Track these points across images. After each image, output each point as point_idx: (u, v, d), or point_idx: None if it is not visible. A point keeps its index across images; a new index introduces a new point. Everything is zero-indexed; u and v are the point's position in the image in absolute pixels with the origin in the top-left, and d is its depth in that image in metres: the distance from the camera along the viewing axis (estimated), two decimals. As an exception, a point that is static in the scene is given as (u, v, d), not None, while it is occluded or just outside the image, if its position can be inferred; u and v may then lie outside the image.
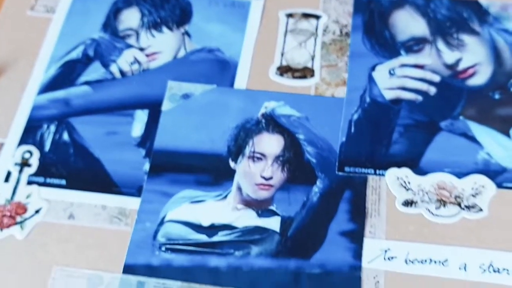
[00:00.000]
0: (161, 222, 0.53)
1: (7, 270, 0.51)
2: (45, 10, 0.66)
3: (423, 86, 0.58)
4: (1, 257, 0.52)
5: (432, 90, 0.58)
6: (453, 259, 0.50)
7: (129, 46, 0.63)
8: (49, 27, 0.65)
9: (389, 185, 0.54)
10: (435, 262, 0.50)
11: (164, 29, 0.64)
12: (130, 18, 0.65)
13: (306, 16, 0.64)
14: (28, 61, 0.63)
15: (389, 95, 0.58)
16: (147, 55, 0.63)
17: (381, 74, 0.59)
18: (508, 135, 0.56)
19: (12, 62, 0.63)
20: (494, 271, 0.49)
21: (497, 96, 0.58)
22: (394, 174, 0.54)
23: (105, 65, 0.62)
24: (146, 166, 0.56)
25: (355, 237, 0.51)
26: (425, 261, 0.50)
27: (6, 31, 0.65)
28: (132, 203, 0.54)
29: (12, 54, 0.63)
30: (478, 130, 0.56)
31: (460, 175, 0.54)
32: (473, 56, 0.60)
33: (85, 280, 0.50)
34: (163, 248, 0.52)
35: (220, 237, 0.52)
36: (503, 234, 0.51)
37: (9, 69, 0.62)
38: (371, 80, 0.59)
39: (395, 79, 0.59)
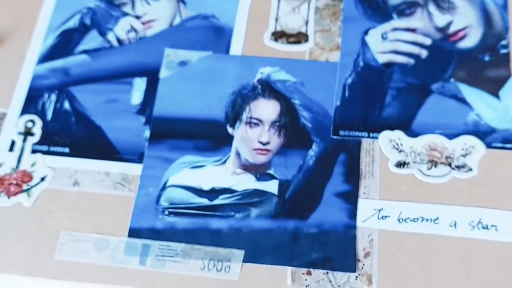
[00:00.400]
0: (163, 187, 0.53)
1: (16, 236, 0.52)
2: None
3: (415, 50, 0.58)
4: (10, 224, 0.52)
5: (424, 53, 0.58)
6: (444, 217, 0.51)
7: (125, 14, 0.62)
8: None
9: (382, 147, 0.54)
10: (426, 220, 0.51)
11: None
12: None
13: (300, -20, 0.63)
14: (25, 31, 0.62)
15: (382, 58, 0.58)
16: (143, 23, 0.62)
17: (374, 38, 0.59)
18: (497, 96, 0.56)
19: (10, 32, 0.62)
20: (483, 227, 0.50)
21: (487, 58, 0.57)
22: (387, 137, 0.54)
23: (102, 34, 0.61)
24: (147, 133, 0.56)
25: (350, 197, 0.52)
26: (417, 219, 0.51)
27: (2, 1, 0.63)
28: (134, 169, 0.54)
29: (9, 24, 0.62)
30: (468, 92, 0.56)
31: (450, 136, 0.54)
32: (463, 19, 0.59)
33: (92, 244, 0.51)
34: (166, 212, 0.52)
35: (220, 200, 0.52)
36: (492, 192, 0.52)
37: (7, 40, 0.61)
38: (364, 44, 0.59)
39: (387, 43, 0.59)
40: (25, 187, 0.54)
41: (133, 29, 0.62)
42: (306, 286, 0.49)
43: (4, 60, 0.60)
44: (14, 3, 0.64)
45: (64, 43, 0.62)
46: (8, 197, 0.54)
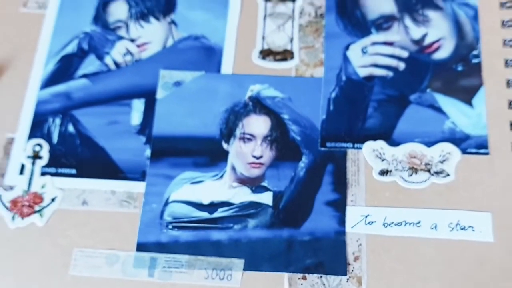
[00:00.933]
0: (166, 203, 0.55)
1: (31, 255, 0.53)
2: (37, 6, 0.65)
3: (393, 62, 0.59)
4: (25, 243, 0.54)
5: (401, 65, 0.59)
6: (425, 220, 0.52)
7: (120, 37, 0.63)
8: (43, 22, 0.64)
9: (366, 157, 0.56)
10: (409, 224, 0.52)
11: (152, 19, 0.64)
12: (118, 10, 0.65)
13: (283, -1, 0.65)
14: (27, 57, 0.63)
15: (362, 72, 0.59)
16: (138, 46, 0.63)
17: (354, 53, 0.60)
18: (470, 104, 0.57)
19: (11, 60, 0.63)
20: (461, 228, 0.52)
21: (460, 68, 0.59)
22: (370, 147, 0.56)
23: (100, 58, 0.63)
24: (148, 152, 0.57)
25: (339, 205, 0.54)
26: (401, 223, 0.53)
27: (2, 29, 0.64)
28: (138, 187, 0.56)
29: (10, 51, 0.63)
30: (444, 101, 0.57)
31: (429, 144, 0.56)
32: (437, 31, 0.60)
33: (103, 259, 0.53)
34: (170, 226, 0.54)
35: (219, 213, 0.54)
36: (468, 196, 0.53)
37: (10, 67, 0.62)
38: (345, 59, 0.60)
39: (367, 57, 0.60)
40: (37, 208, 0.56)
41: (129, 52, 0.63)
42: (302, 289, 0.51)
43: (9, 87, 0.61)
44: (13, 29, 0.64)
45: (65, 68, 0.63)
46: (22, 218, 0.55)
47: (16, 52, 0.63)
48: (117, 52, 0.63)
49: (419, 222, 0.52)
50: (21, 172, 0.58)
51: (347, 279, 0.51)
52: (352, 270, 0.51)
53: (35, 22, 0.64)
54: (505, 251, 0.52)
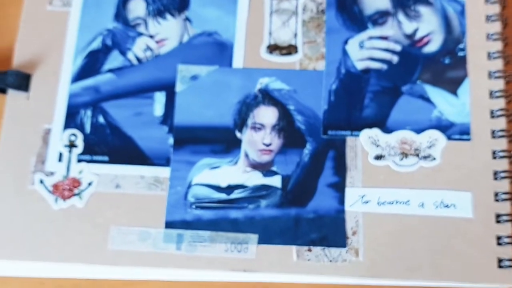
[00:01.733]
0: (189, 186, 0.58)
1: (73, 233, 0.56)
2: (62, 4, 0.66)
3: (388, 56, 0.61)
4: (67, 222, 0.56)
5: (395, 59, 0.61)
6: (414, 199, 0.54)
7: (140, 34, 0.65)
8: (68, 20, 0.65)
9: (363, 143, 0.57)
10: (400, 202, 0.55)
11: (168, 16, 0.66)
12: (137, 7, 0.66)
13: (287, -4, 0.66)
14: (57, 53, 0.63)
15: (360, 65, 0.61)
16: (157, 42, 0.65)
17: (352, 47, 0.61)
18: (456, 94, 0.59)
19: (43, 57, 0.64)
20: (445, 206, 0.54)
21: (447, 61, 0.60)
22: (367, 134, 0.58)
23: (123, 53, 0.64)
24: (171, 140, 0.60)
25: (339, 187, 0.56)
26: (392, 202, 0.55)
27: (32, 27, 0.64)
28: (163, 172, 0.59)
29: (41, 48, 0.64)
30: (432, 92, 0.59)
31: (418, 131, 0.57)
32: (427, 26, 0.61)
33: (136, 236, 0.56)
34: (193, 206, 0.56)
35: (235, 194, 0.57)
36: (451, 177, 0.55)
37: (42, 63, 0.64)
38: (344, 53, 0.61)
39: (364, 51, 0.61)
40: (76, 191, 0.59)
41: (148, 48, 0.64)
42: (308, 260, 0.54)
43: (43, 81, 0.62)
44: (42, 27, 0.64)
45: (91, 64, 0.64)
46: (64, 200, 0.58)
47: (46, 48, 0.64)
48: (138, 48, 0.65)
49: (408, 201, 0.55)
50: (60, 159, 0.61)
51: (346, 251, 0.54)
52: (351, 243, 0.54)
53: (61, 19, 0.65)
54: (482, 225, 0.54)
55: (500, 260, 0.53)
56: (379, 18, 0.63)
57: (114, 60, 0.65)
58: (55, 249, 0.56)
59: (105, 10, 0.67)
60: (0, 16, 0.67)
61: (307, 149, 0.58)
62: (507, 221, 0.54)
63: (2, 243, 0.57)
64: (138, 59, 0.65)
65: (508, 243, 0.54)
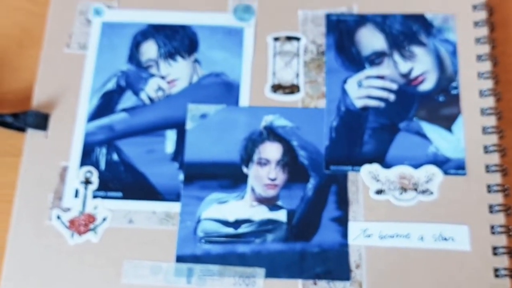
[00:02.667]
0: (198, 220, 0.57)
1: (88, 267, 0.55)
2: (78, 47, 0.66)
3: (384, 94, 0.60)
4: (83, 256, 0.56)
5: (392, 97, 0.60)
6: (414, 233, 0.54)
7: (152, 75, 0.65)
8: (84, 62, 0.65)
9: (364, 178, 0.56)
10: (400, 236, 0.54)
11: (178, 58, 0.66)
12: (149, 50, 0.66)
13: (289, 38, 0.65)
14: (73, 94, 0.63)
15: (359, 103, 0.60)
16: (168, 82, 0.64)
17: (351, 86, 0.61)
18: (450, 130, 0.58)
19: (60, 97, 0.64)
20: (443, 239, 0.53)
21: (441, 99, 0.60)
22: (367, 169, 0.57)
23: (136, 93, 0.64)
24: (181, 176, 0.59)
25: (342, 221, 0.55)
26: (393, 236, 0.54)
27: (51, 69, 0.65)
28: (174, 207, 0.58)
29: (59, 89, 0.64)
30: (428, 128, 0.59)
31: (416, 166, 0.56)
32: (422, 65, 0.61)
33: (148, 269, 0.55)
34: (203, 241, 0.56)
35: (243, 229, 0.56)
36: (449, 211, 0.55)
37: (59, 103, 0.63)
38: (344, 92, 0.61)
39: (362, 90, 0.61)
40: (91, 226, 0.58)
41: (160, 88, 0.64)
42: (314, 293, 0.54)
43: (60, 121, 0.62)
44: (60, 68, 0.64)
45: (106, 103, 0.64)
46: (80, 235, 0.58)
47: (63, 89, 0.64)
48: (151, 88, 0.64)
49: (408, 234, 0.54)
50: (76, 196, 0.60)
51: (350, 284, 0.53)
52: (354, 276, 0.53)
53: (78, 62, 0.65)
54: (480, 258, 0.53)
55: (498, 292, 0.53)
56: (376, 58, 0.63)
57: (128, 100, 0.65)
58: (71, 283, 0.56)
59: (119, 53, 0.67)
60: (20, 57, 0.67)
61: (311, 184, 0.58)
62: (503, 253, 0.53)
63: (21, 276, 0.56)
64: (151, 99, 0.64)
65: (505, 275, 0.52)
